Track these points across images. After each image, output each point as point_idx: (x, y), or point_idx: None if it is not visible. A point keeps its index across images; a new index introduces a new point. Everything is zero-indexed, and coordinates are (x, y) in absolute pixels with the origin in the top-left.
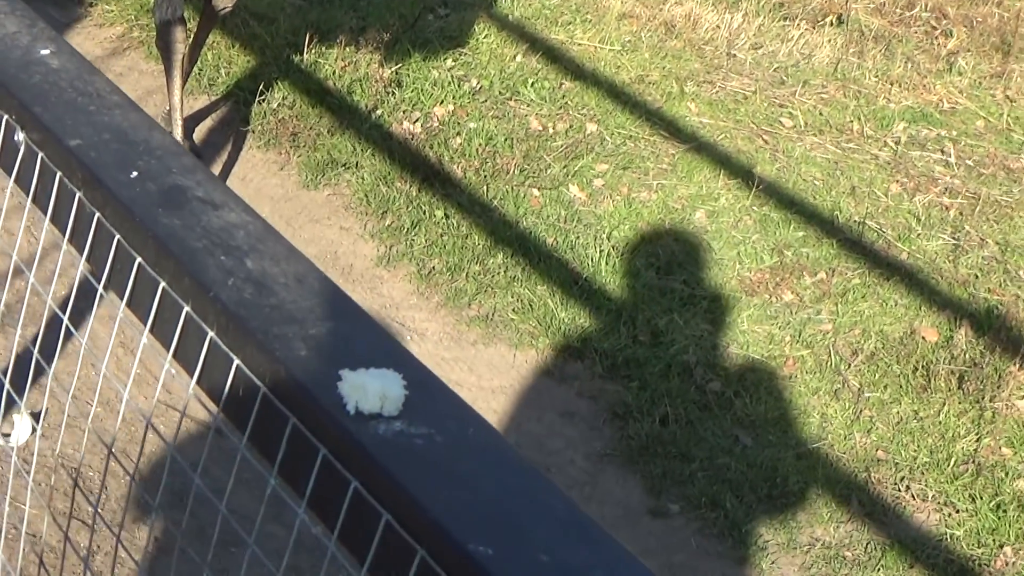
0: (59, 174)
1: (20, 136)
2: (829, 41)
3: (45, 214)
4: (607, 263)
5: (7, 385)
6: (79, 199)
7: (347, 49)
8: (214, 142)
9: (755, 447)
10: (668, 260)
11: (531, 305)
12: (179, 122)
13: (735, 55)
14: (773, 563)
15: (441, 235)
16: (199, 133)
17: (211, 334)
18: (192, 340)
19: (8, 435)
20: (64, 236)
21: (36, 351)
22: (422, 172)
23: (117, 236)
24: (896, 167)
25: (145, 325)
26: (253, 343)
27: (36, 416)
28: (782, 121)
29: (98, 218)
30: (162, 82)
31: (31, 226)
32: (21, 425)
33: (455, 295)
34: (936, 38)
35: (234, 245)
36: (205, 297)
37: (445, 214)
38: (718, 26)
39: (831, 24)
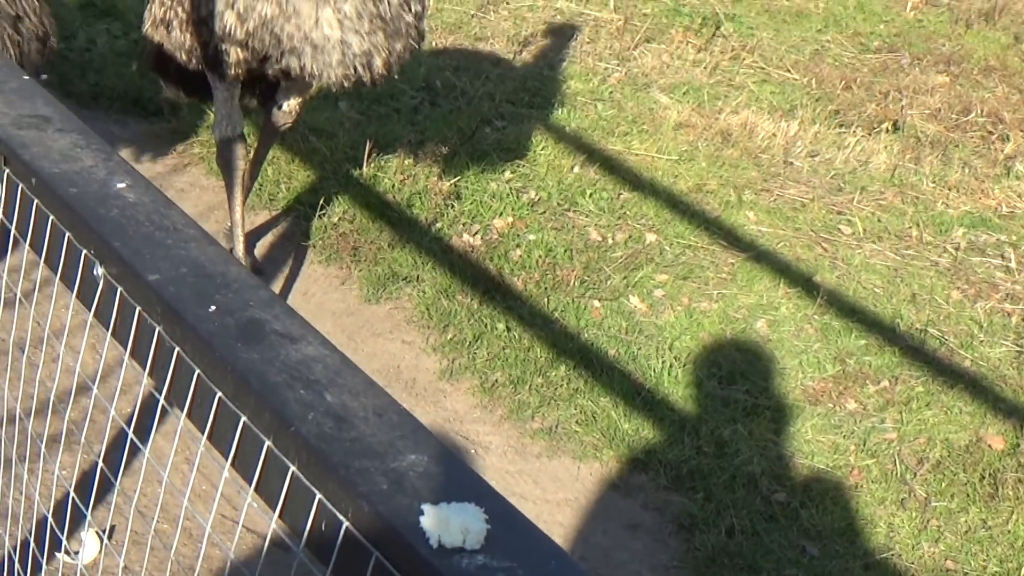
0: (139, 308)
1: (99, 271)
2: (885, 148)
3: (125, 348)
4: (669, 374)
5: (76, 503)
6: (159, 333)
7: (406, 162)
8: (275, 257)
9: (822, 558)
10: (730, 370)
11: (594, 417)
12: (240, 238)
13: (792, 163)
14: None
15: (503, 348)
16: (260, 248)
17: (292, 468)
18: (273, 474)
19: (77, 553)
20: (144, 370)
21: (117, 482)
22: (483, 285)
23: (197, 370)
24: (956, 273)
25: (227, 459)
26: (335, 478)
27: (104, 533)
28: (841, 228)
29: (178, 352)
30: (223, 198)
31: (102, 347)
32: (89, 542)
33: (518, 408)
34: (993, 143)
35: (313, 379)
36: (286, 432)
37: (507, 327)
38: (774, 134)
39: (887, 131)
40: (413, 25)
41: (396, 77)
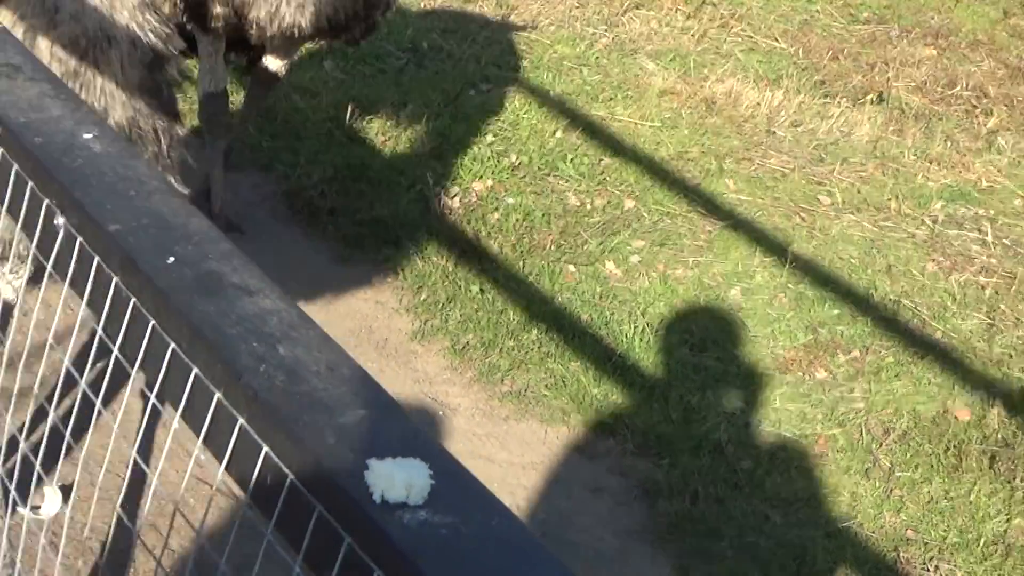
0: (97, 259)
1: (60, 221)
2: (869, 119)
3: (82, 298)
4: (641, 340)
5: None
6: (115, 284)
7: (388, 124)
8: (253, 215)
9: (784, 525)
10: (702, 337)
11: (564, 381)
12: (219, 194)
13: (775, 132)
14: None
15: (476, 310)
16: (238, 205)
17: (241, 421)
18: (223, 426)
19: (38, 508)
20: (99, 323)
21: (68, 430)
22: (459, 247)
23: (152, 322)
24: (933, 246)
25: (177, 410)
26: (282, 431)
27: (67, 489)
28: (820, 199)
29: (133, 304)
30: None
31: (70, 301)
32: (51, 498)
33: (488, 370)
34: (976, 117)
35: (267, 332)
36: (236, 384)
37: (481, 289)
38: (758, 103)
39: (871, 102)
40: None
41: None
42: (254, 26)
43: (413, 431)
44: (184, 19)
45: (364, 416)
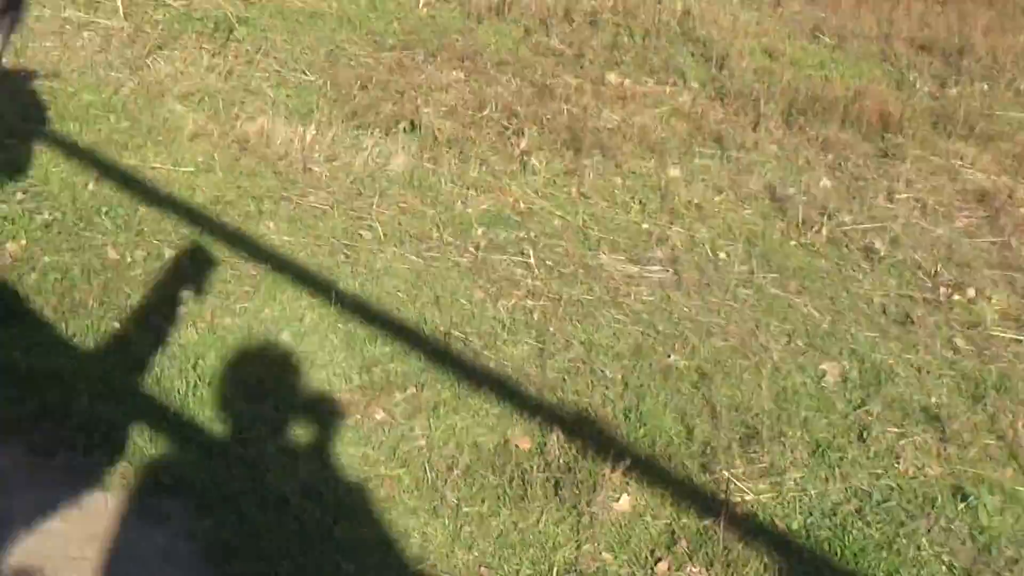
0: None
1: None
2: (403, 148)
3: None
4: (195, 394)
5: None
6: None
7: None
8: None
9: (357, 574)
10: (257, 386)
11: (118, 447)
12: None
13: (311, 169)
14: None
15: (21, 379)
16: None
17: None
18: None
19: None
20: None
21: None
22: None
23: None
24: (478, 272)
25: None
26: None
27: None
28: (362, 233)
29: None
30: None
31: None
32: None
33: (35, 442)
34: (509, 138)
35: None
36: None
37: (24, 358)
38: (292, 139)
39: (404, 131)
40: None
41: None
42: None
43: None
44: None
45: None
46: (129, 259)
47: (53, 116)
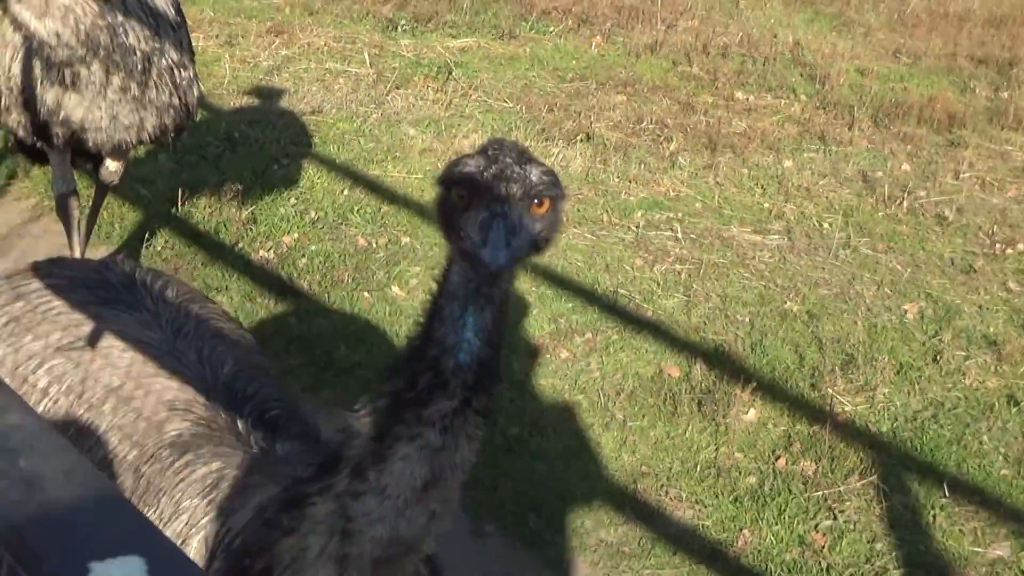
0: None
1: None
2: (580, 154)
3: None
4: None
5: None
6: None
7: (212, 199)
8: None
9: (549, 474)
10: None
11: (369, 387)
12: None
13: None
14: (569, 564)
15: (293, 338)
16: None
17: None
18: None
19: None
20: None
21: None
22: (277, 289)
23: None
24: (638, 246)
25: None
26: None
27: None
28: None
29: None
30: None
31: None
32: None
33: (313, 386)
34: (661, 143)
35: (9, 448)
36: None
37: (298, 319)
38: None
39: (581, 141)
40: (178, 105)
41: (170, 139)
42: (91, 143)
43: (137, 526)
44: (34, 139)
45: (93, 517)
46: (375, 245)
47: (317, 141)
